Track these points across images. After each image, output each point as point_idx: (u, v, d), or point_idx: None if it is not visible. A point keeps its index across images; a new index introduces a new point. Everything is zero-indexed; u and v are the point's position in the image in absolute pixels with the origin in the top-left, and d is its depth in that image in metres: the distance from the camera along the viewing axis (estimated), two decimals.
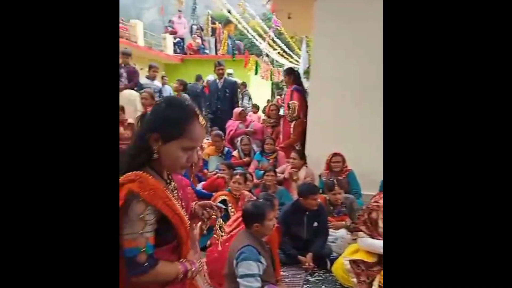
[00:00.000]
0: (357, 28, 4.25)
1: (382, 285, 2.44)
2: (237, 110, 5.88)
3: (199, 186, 4.25)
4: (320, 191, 3.52)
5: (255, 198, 3.62)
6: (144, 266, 1.10)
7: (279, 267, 2.46)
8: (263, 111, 10.93)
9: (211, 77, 7.51)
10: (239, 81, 7.44)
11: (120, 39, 9.92)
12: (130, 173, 1.13)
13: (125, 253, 1.10)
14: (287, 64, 14.85)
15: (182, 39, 13.52)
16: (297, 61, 14.76)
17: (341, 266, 2.68)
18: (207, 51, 13.40)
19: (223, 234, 1.62)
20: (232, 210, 3.34)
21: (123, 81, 5.78)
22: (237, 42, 13.20)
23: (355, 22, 4.26)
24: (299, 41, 13.80)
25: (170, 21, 14.02)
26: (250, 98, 7.73)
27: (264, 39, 12.79)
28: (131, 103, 5.18)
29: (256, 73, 11.96)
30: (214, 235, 1.77)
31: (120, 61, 6.13)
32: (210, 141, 5.23)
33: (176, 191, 1.26)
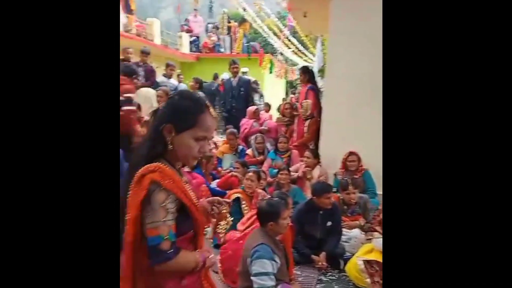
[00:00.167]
0: (372, 27, 4.21)
1: None
2: (251, 108, 5.90)
3: (213, 184, 4.28)
4: (335, 190, 3.51)
5: (268, 196, 3.64)
6: (168, 253, 1.12)
7: (293, 266, 2.47)
8: (278, 109, 10.92)
9: (226, 75, 7.55)
10: (253, 79, 7.44)
11: (137, 37, 10.05)
12: (149, 164, 1.16)
13: (148, 242, 1.12)
14: (301, 63, 14.78)
15: (198, 37, 13.59)
16: (311, 59, 14.68)
17: (354, 266, 2.68)
18: (222, 50, 13.44)
19: (227, 227, 1.65)
20: (246, 208, 3.36)
21: (141, 79, 5.87)
22: (252, 43, 13.20)
23: (371, 21, 4.22)
24: (313, 39, 13.73)
25: (186, 19, 14.11)
26: (261, 96, 7.72)
27: (279, 37, 12.77)
28: (147, 100, 5.25)
29: (270, 72, 11.95)
30: (219, 229, 1.78)
31: (139, 59, 6.23)
32: (225, 139, 5.26)
33: (188, 185, 1.28)
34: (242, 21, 13.22)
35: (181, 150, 1.22)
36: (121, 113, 4.02)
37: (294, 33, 13.95)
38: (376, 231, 2.64)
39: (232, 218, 1.59)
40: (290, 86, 15.92)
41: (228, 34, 13.60)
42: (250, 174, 3.47)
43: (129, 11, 10.52)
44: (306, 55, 16.05)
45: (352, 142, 4.11)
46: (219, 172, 4.70)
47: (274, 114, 8.59)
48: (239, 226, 3.01)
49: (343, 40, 4.42)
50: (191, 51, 13.28)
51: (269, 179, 4.34)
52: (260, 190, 3.57)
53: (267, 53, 13.25)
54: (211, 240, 3.17)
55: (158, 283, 1.20)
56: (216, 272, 2.72)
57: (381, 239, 2.59)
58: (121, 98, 4.04)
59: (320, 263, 2.91)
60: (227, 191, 3.77)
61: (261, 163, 4.82)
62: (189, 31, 13.58)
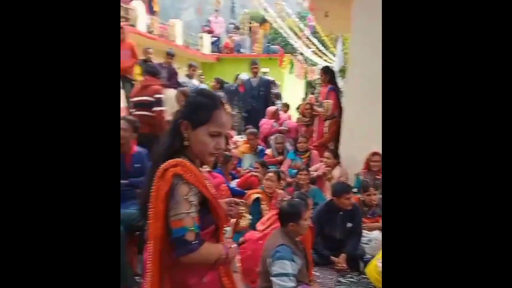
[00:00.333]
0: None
1: None
2: (271, 108, 5.91)
3: (233, 184, 4.31)
4: (356, 190, 3.48)
5: (288, 197, 3.64)
6: (193, 244, 1.14)
7: (312, 267, 2.47)
8: (297, 109, 10.88)
9: (244, 75, 7.58)
10: (272, 79, 7.45)
11: (160, 38, 10.20)
12: (171, 160, 1.19)
13: (173, 234, 1.14)
14: (321, 63, 14.68)
15: (219, 38, 13.68)
16: (331, 59, 14.55)
17: (374, 268, 2.65)
18: (242, 50, 13.49)
19: (247, 222, 1.65)
20: (265, 208, 3.37)
21: (163, 80, 5.98)
22: (273, 47, 13.17)
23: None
24: (334, 39, 13.60)
25: (207, 20, 14.23)
26: (279, 98, 7.71)
27: (299, 37, 12.72)
28: (169, 101, 5.34)
29: (290, 72, 11.93)
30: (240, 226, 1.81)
31: (164, 60, 6.34)
32: (245, 139, 5.29)
33: (208, 181, 1.30)
34: (262, 21, 13.25)
35: (197, 146, 1.24)
36: (152, 114, 4.13)
37: (314, 33, 13.87)
38: None
39: (250, 217, 1.61)
40: (310, 86, 15.83)
41: (248, 34, 13.64)
42: (270, 174, 3.47)
43: (152, 12, 10.70)
44: (326, 55, 15.93)
45: (372, 142, 4.06)
46: (238, 172, 4.72)
47: (294, 114, 8.57)
48: (259, 226, 3.02)
49: (365, 39, 4.38)
50: (211, 52, 13.39)
51: (288, 179, 4.34)
52: (280, 191, 3.57)
53: (287, 53, 13.21)
54: (230, 240, 3.19)
55: (182, 279, 1.22)
56: (236, 272, 2.74)
57: None
58: (151, 98, 4.15)
59: (339, 265, 2.89)
60: (247, 191, 3.79)
61: (281, 163, 4.82)
62: (210, 32, 13.68)
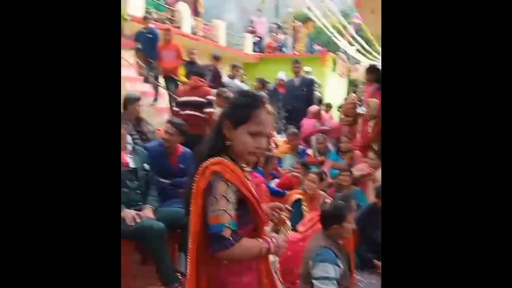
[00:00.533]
0: None
1: None
2: (313, 108, 5.83)
3: (273, 184, 4.29)
4: None
5: (329, 197, 3.57)
6: (229, 241, 1.15)
7: (354, 270, 2.40)
8: (338, 109, 10.67)
9: (282, 75, 7.56)
10: (315, 79, 7.35)
11: (203, 39, 10.41)
12: (212, 158, 1.22)
13: (211, 229, 1.17)
14: (365, 61, 14.30)
15: (261, 38, 13.74)
16: (376, 57, 14.13)
17: None
18: (284, 50, 13.46)
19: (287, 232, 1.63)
20: (306, 209, 3.32)
21: (207, 80, 6.10)
22: (317, 48, 13.02)
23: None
24: (379, 37, 13.19)
25: (250, 20, 14.34)
26: (320, 102, 7.58)
27: (343, 36, 12.47)
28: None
29: (333, 71, 11.73)
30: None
31: (210, 63, 6.47)
32: (285, 139, 5.25)
33: (250, 182, 1.31)
34: (306, 20, 13.13)
35: (238, 145, 1.25)
36: (202, 115, 4.24)
37: (358, 31, 13.54)
38: None
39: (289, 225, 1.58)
40: (352, 85, 15.48)
41: (291, 34, 13.59)
42: (312, 175, 3.42)
43: (197, 13, 10.94)
44: (371, 53, 15.50)
45: None
46: (279, 172, 4.70)
47: (336, 113, 8.41)
48: (300, 227, 2.98)
49: None
50: (253, 52, 13.47)
51: (329, 180, 4.25)
52: (321, 192, 3.51)
53: (330, 51, 13.01)
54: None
55: (219, 277, 1.23)
56: (275, 272, 2.72)
57: None
58: (202, 99, 4.25)
59: None
60: (286, 191, 3.76)
61: (322, 163, 4.74)
62: (252, 31, 13.78)
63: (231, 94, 5.41)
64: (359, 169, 4.26)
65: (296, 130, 5.23)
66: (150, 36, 6.53)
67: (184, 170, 3.12)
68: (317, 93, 7.80)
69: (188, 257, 1.23)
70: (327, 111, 7.68)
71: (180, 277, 2.67)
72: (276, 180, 4.40)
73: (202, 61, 7.15)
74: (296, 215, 3.13)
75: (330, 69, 11.58)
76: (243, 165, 1.30)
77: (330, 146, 5.04)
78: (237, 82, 7.17)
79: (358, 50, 14.73)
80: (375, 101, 4.72)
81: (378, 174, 4.09)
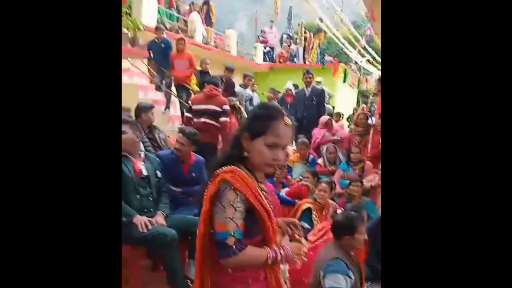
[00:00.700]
0: None
1: None
2: (323, 118, 5.83)
3: (283, 193, 4.29)
4: None
5: (339, 207, 3.55)
6: (233, 249, 1.16)
7: (365, 282, 2.38)
8: (348, 119, 10.65)
9: (290, 84, 7.61)
10: (326, 90, 7.36)
11: (215, 49, 10.52)
12: (225, 167, 1.24)
13: (216, 236, 1.19)
14: (376, 72, 14.29)
15: (272, 48, 13.85)
16: None
17: None
18: (296, 60, 13.53)
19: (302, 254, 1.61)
20: (316, 218, 3.31)
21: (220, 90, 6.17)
22: (328, 59, 13.07)
23: None
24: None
25: (262, 31, 14.48)
26: (330, 115, 7.59)
27: (354, 47, 12.51)
28: None
29: (344, 81, 11.74)
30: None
31: (223, 74, 6.55)
32: (295, 148, 5.25)
33: (266, 194, 1.31)
34: (317, 31, 13.21)
35: (255, 156, 1.26)
36: (217, 123, 4.30)
37: (369, 42, 13.57)
38: None
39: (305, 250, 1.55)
40: (362, 95, 15.45)
41: (302, 44, 13.67)
42: (324, 185, 3.42)
43: (209, 23, 11.09)
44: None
45: None
46: (288, 181, 4.69)
47: (346, 124, 8.40)
48: (310, 237, 2.97)
49: None
50: (264, 61, 13.57)
51: (339, 190, 4.24)
52: (331, 201, 3.50)
53: (341, 62, 13.04)
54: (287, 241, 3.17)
55: (224, 285, 1.24)
56: (285, 282, 2.71)
57: None
58: (218, 108, 4.31)
59: None
60: (296, 200, 3.75)
61: (332, 173, 4.72)
62: (264, 42, 13.90)
63: (238, 103, 5.48)
64: (370, 179, 4.24)
65: (306, 140, 5.23)
66: (163, 45, 6.64)
67: (196, 178, 3.14)
68: (327, 104, 7.81)
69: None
70: (337, 121, 7.68)
71: (190, 284, 2.68)
72: (286, 189, 4.40)
73: (213, 70, 7.22)
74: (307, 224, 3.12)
75: (340, 80, 11.59)
76: (258, 176, 1.30)
77: (341, 156, 5.02)
78: (248, 91, 7.23)
79: (368, 61, 14.74)
80: None
81: None
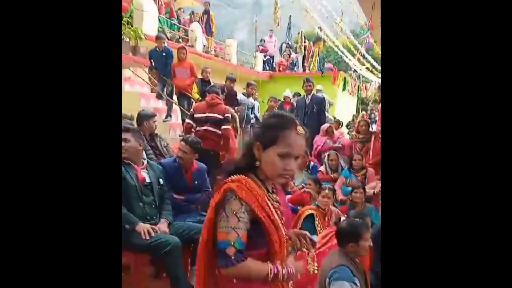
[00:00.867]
0: None
1: None
2: (324, 126, 5.84)
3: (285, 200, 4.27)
4: None
5: (342, 214, 3.55)
6: (232, 259, 1.15)
7: None
8: (347, 126, 10.67)
9: (288, 93, 7.65)
10: (326, 98, 7.39)
11: (215, 58, 10.59)
12: (234, 176, 1.23)
13: (218, 245, 1.18)
14: (375, 80, 14.37)
15: (272, 57, 13.93)
16: None
17: None
18: (295, 69, 13.61)
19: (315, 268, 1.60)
20: (319, 225, 3.30)
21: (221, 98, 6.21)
22: (328, 67, 13.14)
23: None
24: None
25: (261, 40, 14.58)
26: (328, 116, 7.63)
27: (353, 55, 12.60)
28: None
29: (344, 89, 11.79)
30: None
31: (225, 83, 6.58)
32: None
33: (277, 204, 1.29)
34: (316, 39, 13.31)
35: (266, 166, 1.24)
36: (219, 131, 4.34)
37: (368, 50, 13.66)
38: None
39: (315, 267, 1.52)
40: (361, 103, 15.51)
41: (301, 53, 13.76)
42: (327, 191, 3.42)
43: (210, 33, 11.17)
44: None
45: None
46: (291, 188, 4.68)
47: (345, 131, 8.41)
48: None
49: None
50: (264, 70, 13.65)
51: (342, 197, 4.22)
52: (333, 208, 3.49)
53: (340, 70, 13.11)
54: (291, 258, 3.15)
55: None
56: None
57: None
58: (220, 116, 4.36)
59: None
60: (299, 207, 3.74)
61: (334, 180, 4.72)
62: (264, 50, 13.99)
63: (233, 111, 5.52)
64: (372, 186, 4.24)
65: (306, 148, 5.24)
66: (164, 54, 6.68)
67: (198, 186, 3.14)
68: (327, 112, 7.84)
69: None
70: (336, 128, 7.70)
71: None
72: (288, 196, 4.39)
73: (214, 79, 7.26)
74: (309, 231, 3.10)
75: (340, 88, 11.65)
76: (270, 186, 1.29)
77: (342, 163, 5.02)
78: (251, 100, 7.27)
79: (368, 69, 14.83)
80: None
81: None
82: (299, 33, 14.20)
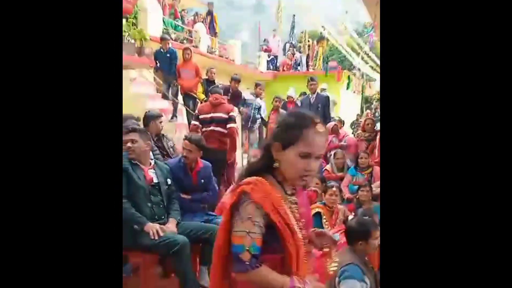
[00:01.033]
0: None
1: None
2: (330, 124, 5.83)
3: None
4: None
5: (349, 212, 3.54)
6: (245, 265, 1.12)
7: (379, 287, 2.36)
8: (351, 125, 10.65)
9: (292, 92, 7.65)
10: (330, 97, 7.38)
11: (220, 58, 10.60)
12: (249, 177, 1.19)
13: (232, 249, 1.16)
14: (379, 78, 14.32)
15: (276, 56, 13.92)
16: None
17: None
18: (299, 68, 13.61)
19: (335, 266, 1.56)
20: (326, 223, 3.30)
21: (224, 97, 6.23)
22: (332, 66, 13.11)
23: None
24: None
25: (265, 40, 14.58)
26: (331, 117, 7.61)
27: (357, 54, 12.57)
28: None
29: (348, 88, 11.77)
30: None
31: (229, 84, 6.60)
32: None
33: (296, 206, 1.25)
34: (320, 39, 13.29)
35: (286, 167, 1.19)
36: (224, 130, 4.37)
37: (372, 49, 13.63)
38: None
39: (337, 260, 1.49)
40: (365, 101, 15.46)
41: (305, 52, 13.76)
42: (334, 189, 3.42)
43: (213, 33, 11.19)
44: None
45: None
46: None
47: (348, 130, 8.40)
48: None
49: None
50: (268, 70, 13.65)
51: (348, 195, 4.22)
52: (340, 206, 3.49)
53: (344, 69, 13.09)
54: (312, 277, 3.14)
55: None
56: None
57: None
58: (225, 115, 4.38)
59: None
60: None
61: (341, 179, 4.72)
62: (267, 50, 13.99)
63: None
64: (379, 185, 4.23)
65: None
66: (168, 55, 6.70)
67: (204, 185, 3.15)
68: (331, 111, 7.83)
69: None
70: (340, 127, 7.70)
71: None
72: None
73: (218, 79, 7.28)
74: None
75: (344, 86, 11.63)
76: (288, 188, 1.25)
77: (348, 162, 5.02)
78: (258, 100, 7.28)
79: (372, 67, 14.78)
80: None
81: None
82: (302, 32, 14.20)
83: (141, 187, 2.63)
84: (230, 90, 6.42)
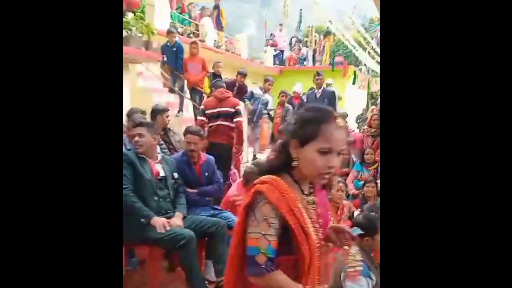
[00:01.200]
0: None
1: None
2: None
3: None
4: None
5: (355, 208, 3.55)
6: (261, 268, 1.09)
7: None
8: (357, 120, 10.59)
9: (298, 87, 7.62)
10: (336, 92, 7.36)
11: (226, 52, 10.58)
12: (265, 176, 1.16)
13: (247, 251, 1.13)
14: None
15: (282, 51, 13.86)
16: None
17: None
18: (305, 63, 13.55)
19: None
20: (332, 218, 3.30)
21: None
22: (338, 61, 13.01)
23: None
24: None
25: (271, 34, 14.52)
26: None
27: (364, 49, 12.47)
28: None
29: (354, 83, 11.70)
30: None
31: (237, 78, 6.59)
32: None
33: (313, 206, 1.21)
34: (326, 33, 13.21)
35: (305, 165, 1.14)
36: (231, 124, 4.39)
37: (378, 44, 13.50)
38: None
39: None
40: (371, 97, 15.36)
41: (311, 47, 13.68)
42: (340, 184, 3.42)
43: (220, 27, 11.16)
44: None
45: None
46: None
47: (353, 125, 8.37)
48: None
49: None
50: (274, 65, 13.60)
51: (354, 191, 4.22)
52: (346, 202, 3.50)
53: (350, 64, 13.01)
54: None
55: None
56: None
57: None
58: (231, 109, 4.40)
59: None
60: None
61: (346, 174, 4.72)
62: (273, 45, 13.93)
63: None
64: None
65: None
66: (175, 49, 6.69)
67: (208, 178, 3.16)
68: (337, 106, 7.80)
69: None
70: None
71: (208, 285, 2.69)
72: None
73: (224, 73, 7.26)
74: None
75: (349, 81, 11.56)
76: (305, 188, 1.20)
77: (354, 157, 5.01)
78: (267, 96, 7.27)
79: (378, 62, 14.66)
80: None
81: None
82: (309, 27, 14.10)
83: (148, 181, 2.65)
84: (236, 84, 6.41)
